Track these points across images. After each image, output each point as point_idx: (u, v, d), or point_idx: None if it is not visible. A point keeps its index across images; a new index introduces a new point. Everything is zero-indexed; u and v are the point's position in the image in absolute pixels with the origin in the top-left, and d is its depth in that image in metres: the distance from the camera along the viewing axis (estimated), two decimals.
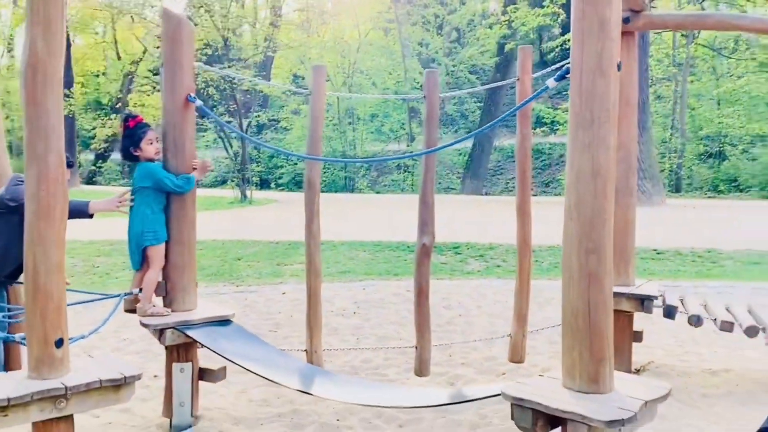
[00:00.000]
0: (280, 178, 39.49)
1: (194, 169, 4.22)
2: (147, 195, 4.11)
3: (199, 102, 4.20)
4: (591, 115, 2.69)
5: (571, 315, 2.78)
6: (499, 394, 2.91)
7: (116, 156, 44.59)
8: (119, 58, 40.42)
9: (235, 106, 26.12)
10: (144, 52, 39.59)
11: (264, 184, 36.97)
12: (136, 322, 6.64)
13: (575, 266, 2.75)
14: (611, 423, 2.52)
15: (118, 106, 40.36)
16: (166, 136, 4.15)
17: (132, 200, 4.16)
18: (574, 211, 2.75)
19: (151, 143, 4.14)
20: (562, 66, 4.01)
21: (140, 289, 4.19)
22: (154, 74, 35.67)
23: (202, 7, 26.35)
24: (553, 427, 2.76)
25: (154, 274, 4.19)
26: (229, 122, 28.53)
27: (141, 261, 4.20)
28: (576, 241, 2.74)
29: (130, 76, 40.19)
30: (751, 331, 4.80)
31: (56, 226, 2.98)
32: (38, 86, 2.91)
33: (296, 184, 38.87)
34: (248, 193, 24.97)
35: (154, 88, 39.07)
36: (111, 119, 38.39)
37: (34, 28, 2.90)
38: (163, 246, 4.19)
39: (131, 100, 39.00)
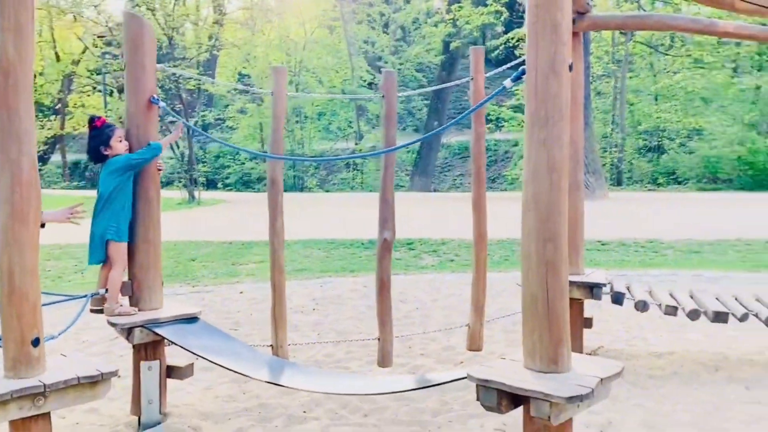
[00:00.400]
0: (227, 178, 39.13)
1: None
2: (118, 191, 4.12)
3: (162, 104, 4.26)
4: (546, 113, 2.87)
5: (531, 300, 2.96)
6: (465, 377, 3.08)
7: (57, 158, 43.53)
8: (58, 58, 39.36)
9: (180, 105, 25.82)
10: (84, 51, 38.67)
11: (211, 185, 36.60)
12: (96, 325, 6.68)
13: (534, 255, 2.93)
14: (571, 399, 2.71)
15: (57, 107, 39.35)
16: (130, 138, 4.20)
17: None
18: (531, 203, 2.92)
19: (121, 140, 4.17)
20: (516, 65, 4.22)
21: (106, 290, 4.22)
22: (97, 74, 34.91)
23: (144, 5, 25.92)
24: (516, 405, 2.95)
25: (117, 273, 4.20)
26: (172, 122, 28.19)
27: (102, 256, 4.20)
28: (534, 232, 2.92)
29: (69, 77, 39.19)
30: (693, 315, 5.11)
31: (30, 229, 3.03)
32: (10, 91, 2.95)
33: (244, 183, 38.59)
34: (196, 193, 24.74)
35: (95, 88, 38.29)
36: (51, 120, 37.41)
37: (4, 33, 2.93)
38: (124, 245, 4.21)
39: (71, 100, 38.13)
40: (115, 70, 30.87)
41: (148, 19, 26.07)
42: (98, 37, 32.10)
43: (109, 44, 30.94)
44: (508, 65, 5.64)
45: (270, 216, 4.54)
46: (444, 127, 4.28)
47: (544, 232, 2.90)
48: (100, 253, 4.21)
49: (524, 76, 3.00)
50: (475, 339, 5.38)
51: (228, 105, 39.05)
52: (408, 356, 5.75)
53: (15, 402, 2.94)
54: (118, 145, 4.18)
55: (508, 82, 3.24)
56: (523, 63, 3.10)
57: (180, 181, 25.88)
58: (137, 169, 4.15)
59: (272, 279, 4.57)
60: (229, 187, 37.96)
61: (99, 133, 4.18)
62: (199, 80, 24.30)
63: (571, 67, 2.92)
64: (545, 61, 2.87)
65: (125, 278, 4.32)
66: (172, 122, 28.72)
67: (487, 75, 5.70)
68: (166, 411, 4.42)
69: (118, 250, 4.18)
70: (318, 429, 4.21)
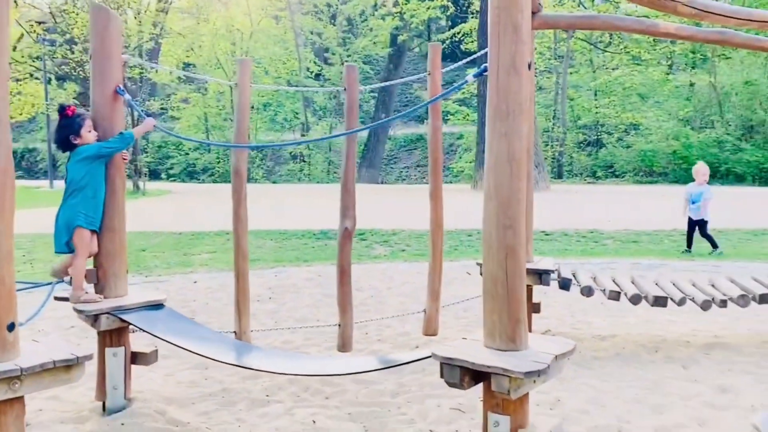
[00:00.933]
0: (171, 168, 38.59)
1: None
2: (89, 178, 4.14)
3: (127, 96, 4.32)
4: (507, 108, 3.07)
5: (491, 283, 3.16)
6: (429, 357, 3.27)
7: None
8: None
9: None
10: (20, 38, 37.46)
11: (154, 175, 36.04)
12: (49, 314, 6.64)
13: (494, 240, 3.13)
14: (528, 374, 2.92)
15: None
16: (96, 128, 4.24)
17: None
18: (492, 191, 3.12)
19: (90, 130, 4.19)
20: (470, 62, 4.42)
21: (70, 278, 4.25)
22: (37, 59, 33.86)
23: None
24: (477, 381, 3.15)
25: (81, 261, 4.21)
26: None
27: (67, 242, 4.19)
28: (495, 218, 3.12)
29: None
30: (635, 299, 5.42)
31: (6, 216, 3.08)
32: None
33: (188, 174, 38.12)
34: (141, 184, 24.37)
35: (32, 75, 37.13)
36: None
37: None
38: (90, 233, 4.22)
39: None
40: (55, 57, 30.02)
41: (85, 6, 25.50)
42: (38, 23, 31.16)
43: (49, 31, 30.06)
44: (463, 62, 5.84)
45: (234, 204, 4.65)
46: (410, 111, 4.43)
47: (504, 218, 3.10)
48: (65, 239, 4.19)
49: (486, 73, 3.20)
50: (431, 324, 5.59)
51: (171, 94, 38.46)
52: (365, 342, 5.92)
53: None
54: (88, 134, 4.19)
55: (470, 78, 3.43)
56: (477, 58, 3.30)
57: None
58: (108, 157, 4.19)
59: (236, 265, 4.68)
60: (173, 178, 37.47)
61: (69, 122, 4.18)
62: (143, 69, 23.82)
63: (530, 66, 3.14)
64: (506, 60, 3.07)
65: (90, 266, 4.37)
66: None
67: (446, 69, 5.89)
68: (130, 396, 4.48)
69: (84, 238, 4.18)
70: (281, 411, 4.34)
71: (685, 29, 5.23)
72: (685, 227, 10.83)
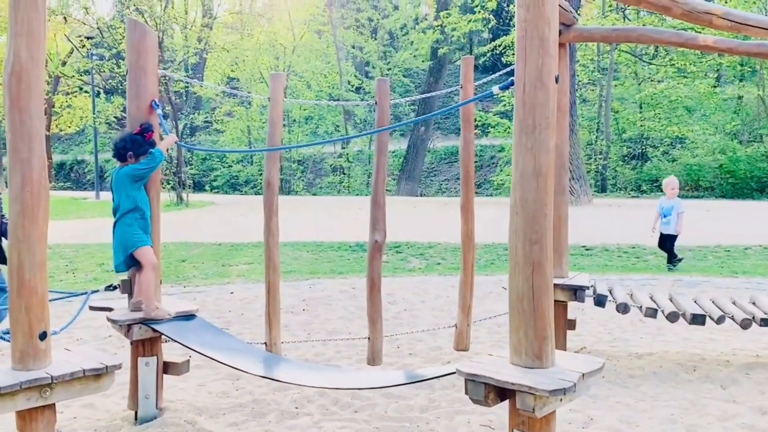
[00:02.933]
0: (214, 180, 39.19)
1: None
2: (132, 200, 4.25)
3: (160, 111, 4.41)
4: (533, 122, 3.04)
5: (517, 299, 3.12)
6: (453, 373, 3.23)
7: None
8: (47, 59, 39.20)
9: (169, 108, 25.87)
10: (71, 52, 38.57)
11: (198, 187, 36.64)
12: (88, 323, 6.79)
13: (520, 255, 3.09)
14: (554, 392, 2.87)
15: (44, 108, 39.19)
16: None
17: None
18: (519, 206, 3.09)
19: None
20: (506, 74, 4.40)
21: (113, 286, 4.34)
22: (86, 73, 34.83)
23: (133, 7, 25.96)
24: (503, 399, 3.10)
25: (149, 276, 4.28)
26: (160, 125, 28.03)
27: (127, 264, 4.30)
28: (521, 234, 3.08)
29: (57, 78, 39.08)
30: (672, 317, 5.29)
31: (39, 226, 3.16)
32: (23, 93, 3.08)
33: (231, 186, 38.67)
34: (184, 196, 24.80)
35: (81, 89, 38.19)
36: None
37: (17, 38, 3.07)
38: (149, 248, 4.32)
39: (57, 101, 38.02)
40: (103, 72, 30.85)
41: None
42: (87, 38, 32.07)
43: (98, 46, 30.91)
44: (498, 74, 5.82)
45: (265, 216, 4.69)
46: (434, 114, 4.42)
47: (530, 233, 3.06)
48: (121, 255, 4.29)
49: (512, 86, 3.18)
50: (462, 339, 5.54)
51: (215, 108, 39.15)
52: (396, 356, 5.90)
53: (23, 393, 3.06)
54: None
55: (496, 89, 3.41)
56: (511, 71, 3.27)
57: (168, 184, 25.94)
58: (145, 178, 4.30)
59: (266, 277, 4.71)
60: (216, 190, 38.03)
61: (140, 142, 4.29)
62: (188, 83, 24.36)
63: (557, 79, 3.10)
64: (533, 73, 3.04)
65: (124, 276, 4.46)
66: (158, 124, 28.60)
67: (478, 82, 5.87)
68: (162, 406, 4.54)
69: (146, 255, 4.28)
70: (310, 424, 4.34)
71: (725, 42, 5.14)
72: (655, 242, 10.80)
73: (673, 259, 10.38)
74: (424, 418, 4.43)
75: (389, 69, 40.84)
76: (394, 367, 5.56)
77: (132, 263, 4.30)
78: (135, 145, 4.30)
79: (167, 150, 4.48)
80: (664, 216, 10.52)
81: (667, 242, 10.48)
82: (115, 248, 4.32)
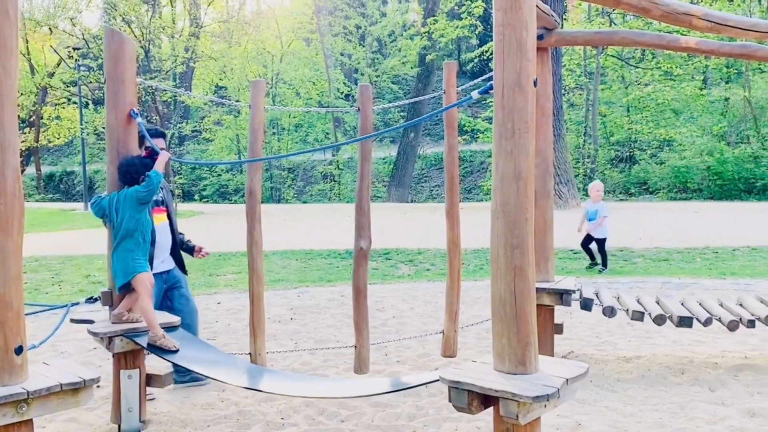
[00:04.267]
0: (203, 189, 39.07)
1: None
2: (135, 222, 4.19)
3: (140, 119, 4.36)
4: (512, 126, 3.02)
5: (499, 304, 3.09)
6: (437, 380, 3.20)
7: (31, 171, 43.11)
8: (33, 71, 39.05)
9: (157, 117, 25.77)
10: (58, 64, 38.44)
11: (188, 196, 36.49)
12: (72, 336, 6.71)
13: (502, 260, 3.07)
14: (537, 398, 2.84)
15: (32, 119, 39.01)
16: (111, 151, 4.29)
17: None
18: (499, 211, 3.07)
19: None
20: (486, 80, 4.38)
21: (94, 298, 4.29)
22: (73, 85, 34.72)
23: (120, 17, 25.89)
24: (486, 406, 3.07)
25: (148, 303, 4.22)
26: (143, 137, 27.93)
27: (127, 288, 4.24)
28: (502, 238, 3.06)
29: (44, 89, 38.92)
30: (659, 320, 5.28)
31: (14, 238, 3.11)
32: None
33: (221, 195, 38.56)
34: (175, 206, 24.71)
35: (69, 100, 38.07)
36: (25, 133, 37.06)
37: None
38: (148, 274, 4.27)
39: (45, 112, 37.87)
40: (90, 83, 30.75)
41: (124, 31, 26.09)
42: (74, 49, 31.96)
43: (84, 56, 30.80)
44: (481, 79, 5.81)
45: (248, 225, 4.64)
46: (417, 121, 4.40)
47: (511, 238, 3.04)
48: (121, 280, 4.23)
49: (491, 90, 3.16)
50: (449, 345, 5.50)
51: (204, 117, 39.04)
52: (384, 363, 5.86)
53: None
54: None
55: (475, 94, 3.40)
56: (491, 76, 3.25)
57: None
58: (148, 202, 4.26)
59: (250, 288, 4.67)
60: (205, 199, 37.90)
61: (150, 166, 4.26)
62: (176, 93, 24.30)
63: (536, 83, 3.08)
64: (511, 77, 3.02)
65: (104, 288, 4.41)
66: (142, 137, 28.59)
67: (462, 87, 5.86)
68: (145, 419, 4.48)
69: (143, 281, 4.22)
70: None
71: (707, 43, 5.15)
72: (578, 244, 11.02)
73: (603, 262, 10.62)
74: (411, 426, 4.39)
75: (378, 76, 40.87)
76: (382, 375, 5.52)
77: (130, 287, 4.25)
78: (146, 168, 4.26)
79: (162, 168, 4.43)
80: (590, 219, 10.70)
81: (597, 244, 10.67)
82: (115, 272, 4.24)
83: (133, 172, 4.26)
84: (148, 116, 26.48)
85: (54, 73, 39.65)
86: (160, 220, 5.10)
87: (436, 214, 19.14)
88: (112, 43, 4.20)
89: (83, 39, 30.88)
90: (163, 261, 5.11)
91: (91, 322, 4.37)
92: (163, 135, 5.11)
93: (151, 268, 4.88)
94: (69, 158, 47.28)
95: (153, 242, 5.04)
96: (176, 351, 4.18)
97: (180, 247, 5.46)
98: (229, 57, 35.88)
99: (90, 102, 35.37)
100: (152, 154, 4.32)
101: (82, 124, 30.48)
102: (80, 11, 30.15)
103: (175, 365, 4.46)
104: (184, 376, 5.15)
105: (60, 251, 13.77)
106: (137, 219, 4.21)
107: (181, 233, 5.53)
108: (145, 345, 4.15)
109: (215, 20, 39.20)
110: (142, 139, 4.41)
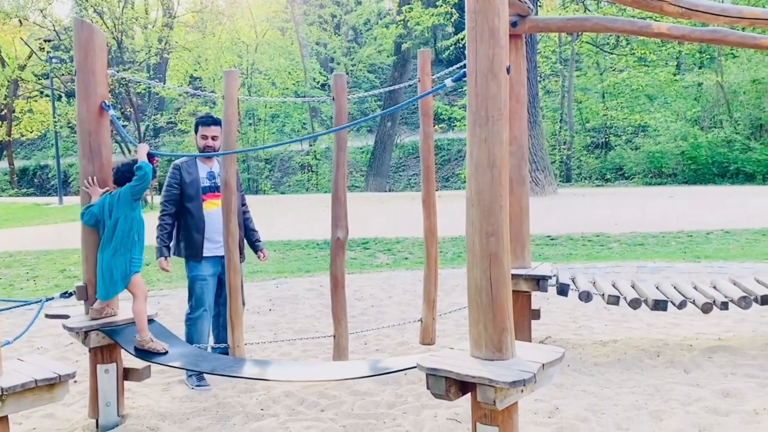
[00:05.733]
0: None
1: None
2: (129, 221, 4.13)
3: (112, 111, 4.31)
4: (486, 113, 3.02)
5: (476, 291, 3.11)
6: (415, 367, 3.21)
7: (3, 165, 42.46)
8: (3, 64, 38.37)
9: (131, 109, 25.47)
10: (30, 56, 37.80)
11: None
12: (49, 331, 6.65)
13: (477, 248, 3.08)
14: (514, 383, 2.86)
15: (3, 113, 38.37)
16: (83, 143, 4.23)
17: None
18: (474, 198, 3.08)
19: (150, 188, 4.30)
20: (460, 67, 4.38)
21: (68, 293, 4.25)
22: (45, 78, 34.18)
23: (92, 9, 25.50)
24: (464, 392, 3.09)
25: (143, 304, 4.18)
26: (125, 126, 27.69)
27: (122, 288, 4.17)
28: (477, 225, 3.07)
29: (16, 82, 38.26)
30: (634, 303, 5.33)
31: None
32: None
33: None
34: (149, 198, 24.45)
35: (42, 93, 37.50)
36: None
37: None
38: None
39: (18, 105, 37.28)
40: (63, 75, 30.28)
41: (96, 23, 25.69)
42: (45, 41, 31.44)
43: (56, 48, 30.32)
44: (455, 66, 5.80)
45: (224, 217, 4.61)
46: (392, 110, 4.40)
47: (486, 225, 3.05)
48: (120, 287, 4.16)
49: (465, 78, 3.16)
50: (427, 333, 5.53)
51: (180, 108, 38.64)
52: (363, 352, 5.88)
53: None
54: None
55: (449, 82, 3.39)
56: (465, 64, 3.25)
57: None
58: (141, 195, 4.21)
59: (228, 279, 4.64)
60: None
61: (146, 168, 4.19)
62: (149, 84, 24.03)
63: (509, 70, 3.08)
64: (484, 64, 3.02)
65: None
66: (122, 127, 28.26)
67: (437, 75, 5.85)
68: (124, 413, 4.46)
69: (140, 282, 4.20)
70: (276, 425, 4.30)
71: (678, 29, 5.19)
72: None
73: None
74: (391, 414, 4.41)
75: (354, 65, 40.71)
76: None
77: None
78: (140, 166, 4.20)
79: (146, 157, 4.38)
80: None
81: None
82: (113, 279, 4.12)
83: (127, 171, 4.21)
84: (122, 108, 26.17)
85: (25, 65, 38.98)
86: (213, 205, 5.17)
87: (414, 203, 19.15)
88: (82, 34, 4.14)
89: (54, 31, 30.39)
90: (219, 246, 5.08)
91: (66, 317, 4.32)
92: (217, 123, 5.22)
93: (203, 253, 5.18)
94: (43, 152, 46.61)
95: (203, 229, 5.17)
96: (165, 353, 4.16)
97: (246, 236, 5.59)
98: (204, 47, 35.55)
99: (63, 95, 34.84)
100: (149, 157, 4.26)
101: (54, 117, 30.04)
102: (50, 2, 29.58)
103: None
104: (195, 381, 5.14)
105: (35, 246, 13.59)
106: (132, 218, 4.16)
107: (254, 230, 5.73)
108: (117, 340, 4.13)
109: (189, 10, 38.76)
110: (148, 158, 4.32)
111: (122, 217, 4.12)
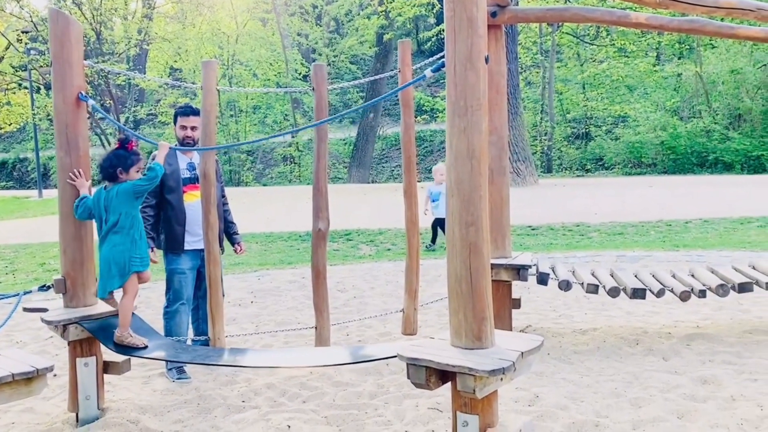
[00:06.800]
0: None
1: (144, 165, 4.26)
2: (129, 218, 4.08)
3: (91, 101, 4.26)
4: (465, 103, 3.03)
5: (455, 281, 3.12)
6: (395, 356, 3.22)
7: None
8: None
9: (110, 101, 25.23)
10: (7, 47, 37.26)
11: None
12: (28, 325, 6.60)
13: (457, 237, 3.09)
14: (493, 372, 2.88)
15: None
16: (59, 135, 4.18)
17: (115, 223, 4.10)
18: (454, 188, 3.08)
19: (138, 171, 4.16)
20: (440, 58, 4.38)
21: (47, 286, 4.21)
22: (23, 70, 33.72)
23: None
24: (444, 381, 3.11)
25: (131, 302, 4.14)
26: (102, 119, 27.47)
27: (120, 285, 4.11)
28: (457, 216, 3.08)
29: None
30: (613, 292, 5.38)
31: None
32: None
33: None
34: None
35: (20, 85, 37.00)
36: None
37: None
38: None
39: None
40: (41, 66, 29.90)
41: (74, 13, 25.40)
42: (22, 32, 31.02)
43: (34, 40, 29.92)
44: (435, 57, 5.80)
45: (203, 209, 4.58)
46: (373, 102, 4.40)
47: (466, 216, 3.06)
48: (118, 282, 4.10)
49: (444, 68, 3.16)
50: (409, 323, 5.54)
51: (160, 100, 38.32)
52: (345, 343, 5.88)
53: None
54: (135, 175, 4.16)
55: (428, 72, 3.39)
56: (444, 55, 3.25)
57: None
58: (144, 195, 4.17)
59: (207, 271, 4.62)
60: None
61: (125, 155, 4.14)
62: (128, 76, 23.78)
63: (487, 59, 3.09)
64: (463, 54, 3.02)
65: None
66: (101, 119, 28.04)
67: (418, 66, 5.85)
68: (104, 406, 4.43)
69: (135, 281, 4.14)
70: (257, 417, 4.29)
71: (656, 19, 5.22)
72: (426, 225, 11.21)
73: (433, 239, 11.09)
74: (372, 405, 4.43)
75: (335, 56, 40.56)
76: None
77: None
78: (121, 159, 4.14)
79: (164, 160, 4.34)
80: (434, 200, 10.98)
81: (440, 224, 10.93)
82: (110, 273, 4.07)
83: (108, 167, 4.14)
84: (102, 100, 25.90)
85: (2, 57, 38.42)
86: (194, 197, 5.08)
87: (396, 195, 19.05)
88: (58, 25, 4.09)
89: (32, 22, 30.00)
90: (200, 239, 5.00)
91: (44, 310, 4.29)
92: (196, 113, 5.15)
93: (184, 246, 5.14)
94: (22, 144, 46.02)
95: (184, 221, 5.14)
96: (145, 347, 4.14)
97: (225, 228, 5.53)
98: (184, 38, 35.27)
99: (41, 87, 34.41)
100: (123, 143, 4.21)
101: (33, 110, 29.67)
102: None
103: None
104: (176, 374, 5.11)
105: (14, 239, 13.45)
106: (133, 215, 4.11)
107: (233, 222, 5.67)
108: (94, 333, 4.10)
109: (169, 1, 38.39)
110: (123, 144, 4.26)
111: (123, 213, 4.07)
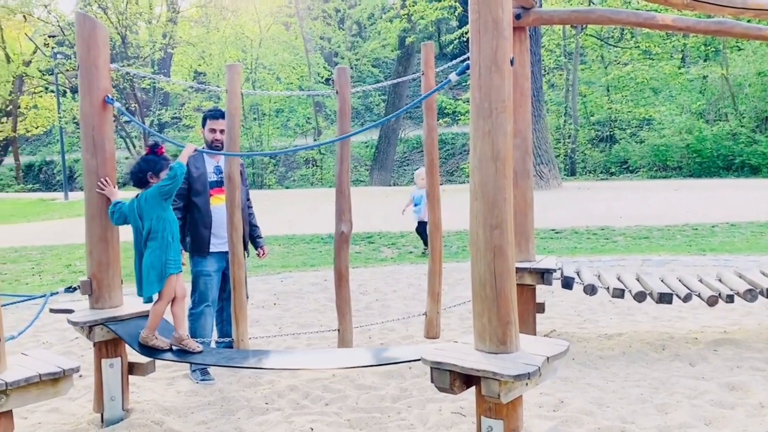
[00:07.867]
0: None
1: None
2: (161, 221, 4.12)
3: (117, 104, 4.30)
4: (489, 105, 3.01)
5: (480, 284, 3.10)
6: (419, 359, 3.21)
7: (9, 161, 42.57)
8: (8, 60, 38.37)
9: (135, 104, 25.50)
10: (34, 52, 37.82)
11: None
12: (54, 326, 6.67)
13: (481, 240, 3.07)
14: (518, 377, 2.85)
15: (9, 109, 38.42)
16: (86, 138, 4.23)
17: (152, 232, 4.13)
18: (478, 191, 3.06)
19: None
20: (463, 60, 4.36)
21: (73, 288, 4.26)
22: (50, 74, 34.21)
23: (96, 4, 25.51)
24: (468, 386, 3.09)
25: (163, 305, 4.18)
26: (128, 122, 27.75)
27: (160, 289, 4.15)
28: (481, 218, 3.06)
29: (21, 78, 38.28)
30: (639, 297, 5.32)
31: None
32: None
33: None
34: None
35: (47, 89, 37.52)
36: (2, 123, 36.52)
37: None
38: (176, 276, 4.21)
39: (23, 101, 37.33)
40: (67, 70, 30.31)
41: (100, 18, 25.71)
42: (49, 36, 31.46)
43: (60, 44, 30.34)
44: (458, 60, 5.78)
45: (228, 211, 4.61)
46: (388, 117, 4.41)
47: (490, 218, 3.04)
48: (157, 287, 4.15)
49: (468, 71, 3.14)
50: (432, 327, 5.52)
51: (184, 103, 38.62)
52: (368, 346, 5.87)
53: None
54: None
55: (453, 76, 3.38)
56: (468, 57, 3.23)
57: None
58: (171, 195, 4.18)
59: (232, 273, 4.65)
60: None
61: (155, 160, 4.19)
62: (154, 79, 24.07)
63: (512, 62, 3.07)
64: (487, 56, 3.00)
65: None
66: (127, 122, 28.35)
67: (441, 69, 5.83)
68: (129, 407, 4.46)
69: (171, 283, 4.17)
70: (280, 419, 4.30)
71: (683, 20, 5.16)
72: (409, 229, 11.29)
73: (426, 242, 10.66)
74: (395, 408, 4.41)
75: (358, 59, 40.61)
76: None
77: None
78: (150, 164, 4.20)
79: (187, 160, 4.37)
80: (416, 204, 10.85)
81: (423, 228, 10.67)
82: (149, 279, 4.13)
83: (138, 172, 4.20)
84: (127, 104, 26.19)
85: (30, 61, 39.00)
86: (220, 200, 5.11)
87: None
88: (84, 29, 4.14)
89: (59, 26, 30.44)
90: (225, 241, 5.03)
91: (70, 311, 4.33)
92: (225, 116, 5.04)
93: (209, 249, 5.19)
94: (48, 147, 46.63)
95: (210, 224, 5.16)
96: (169, 349, 4.17)
97: (249, 232, 5.54)
98: (208, 42, 35.51)
99: (68, 90, 34.84)
100: (153, 148, 4.25)
101: (59, 113, 30.08)
102: None
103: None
104: (200, 375, 5.15)
105: (40, 241, 13.63)
106: (164, 218, 4.14)
107: (257, 225, 5.71)
108: (120, 334, 4.13)
109: (193, 5, 38.75)
110: (153, 149, 4.30)
111: (155, 218, 4.11)
